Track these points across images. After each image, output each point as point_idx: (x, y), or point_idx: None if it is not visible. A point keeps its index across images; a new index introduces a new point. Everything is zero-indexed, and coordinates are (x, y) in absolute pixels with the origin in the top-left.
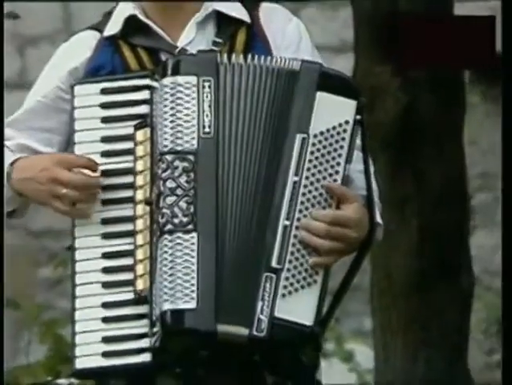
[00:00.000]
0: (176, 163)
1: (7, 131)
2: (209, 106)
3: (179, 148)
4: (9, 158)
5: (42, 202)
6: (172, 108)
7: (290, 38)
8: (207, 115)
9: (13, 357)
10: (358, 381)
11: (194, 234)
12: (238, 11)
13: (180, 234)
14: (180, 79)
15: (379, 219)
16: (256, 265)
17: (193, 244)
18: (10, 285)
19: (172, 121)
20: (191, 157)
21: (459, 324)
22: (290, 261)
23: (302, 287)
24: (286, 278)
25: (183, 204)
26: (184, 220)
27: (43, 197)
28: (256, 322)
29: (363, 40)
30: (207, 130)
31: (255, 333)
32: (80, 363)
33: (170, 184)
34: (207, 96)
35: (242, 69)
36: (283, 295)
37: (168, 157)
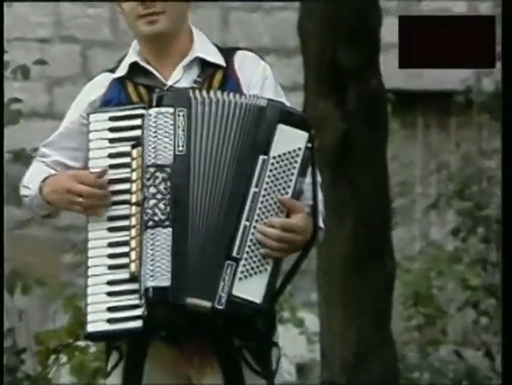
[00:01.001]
0: (157, 174)
1: (45, 150)
2: (183, 130)
3: (159, 162)
4: (43, 173)
5: (64, 207)
6: (155, 132)
7: (257, 79)
8: (181, 138)
9: (42, 324)
10: (307, 341)
11: (170, 229)
12: (216, 57)
13: (159, 229)
14: (162, 109)
15: (321, 224)
16: (220, 254)
17: (169, 236)
18: (41, 267)
19: (154, 142)
20: (168, 169)
21: (384, 298)
22: (247, 253)
23: (255, 273)
24: (244, 266)
25: (162, 205)
26: (163, 217)
27: (64, 204)
28: (217, 298)
29: (311, 82)
30: (180, 149)
31: (216, 305)
32: (91, 328)
33: (152, 190)
34: (181, 123)
35: (212, 102)
36: (240, 278)
37: (151, 169)
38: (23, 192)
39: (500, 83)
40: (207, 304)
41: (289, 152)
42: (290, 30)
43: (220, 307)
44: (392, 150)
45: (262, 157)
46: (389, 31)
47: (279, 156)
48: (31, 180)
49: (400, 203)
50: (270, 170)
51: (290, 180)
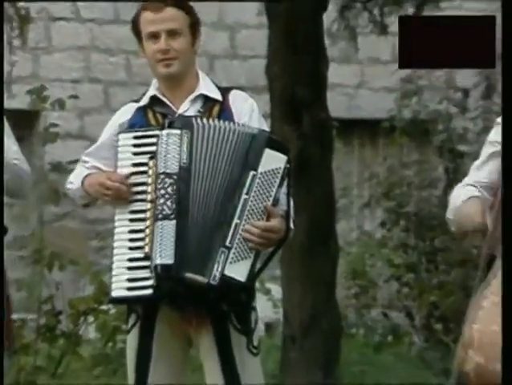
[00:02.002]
0: (166, 179)
1: (86, 158)
2: (186, 148)
3: (168, 171)
4: (84, 173)
5: (97, 197)
6: (165, 148)
7: (245, 111)
8: (185, 153)
9: (74, 292)
10: (272, 306)
11: (174, 221)
12: (215, 94)
13: (167, 221)
14: (172, 131)
15: (292, 225)
16: (216, 242)
17: (173, 226)
18: (74, 250)
19: (165, 155)
20: (175, 176)
21: (331, 274)
22: (237, 244)
23: (242, 259)
24: (233, 253)
25: (169, 203)
26: (169, 212)
27: (97, 194)
28: (212, 276)
29: (276, 112)
30: (184, 161)
31: (211, 281)
32: (114, 293)
33: (162, 191)
34: (185, 142)
35: (211, 127)
36: (230, 262)
37: (162, 176)
38: (68, 186)
39: (417, 112)
40: (204, 280)
41: (272, 170)
42: (260, 72)
43: (214, 283)
44: (335, 163)
45: (252, 172)
46: (334, 74)
47: (265, 172)
48: (75, 178)
49: (341, 203)
50: (258, 182)
51: (272, 191)
